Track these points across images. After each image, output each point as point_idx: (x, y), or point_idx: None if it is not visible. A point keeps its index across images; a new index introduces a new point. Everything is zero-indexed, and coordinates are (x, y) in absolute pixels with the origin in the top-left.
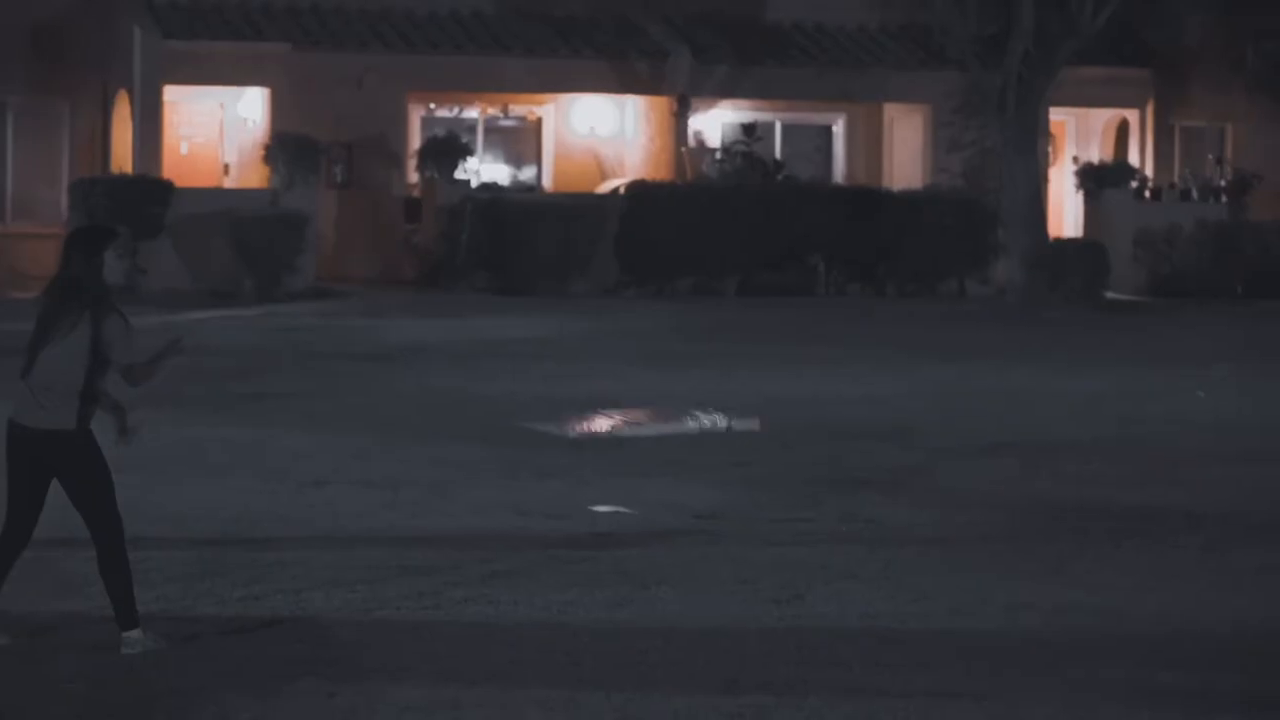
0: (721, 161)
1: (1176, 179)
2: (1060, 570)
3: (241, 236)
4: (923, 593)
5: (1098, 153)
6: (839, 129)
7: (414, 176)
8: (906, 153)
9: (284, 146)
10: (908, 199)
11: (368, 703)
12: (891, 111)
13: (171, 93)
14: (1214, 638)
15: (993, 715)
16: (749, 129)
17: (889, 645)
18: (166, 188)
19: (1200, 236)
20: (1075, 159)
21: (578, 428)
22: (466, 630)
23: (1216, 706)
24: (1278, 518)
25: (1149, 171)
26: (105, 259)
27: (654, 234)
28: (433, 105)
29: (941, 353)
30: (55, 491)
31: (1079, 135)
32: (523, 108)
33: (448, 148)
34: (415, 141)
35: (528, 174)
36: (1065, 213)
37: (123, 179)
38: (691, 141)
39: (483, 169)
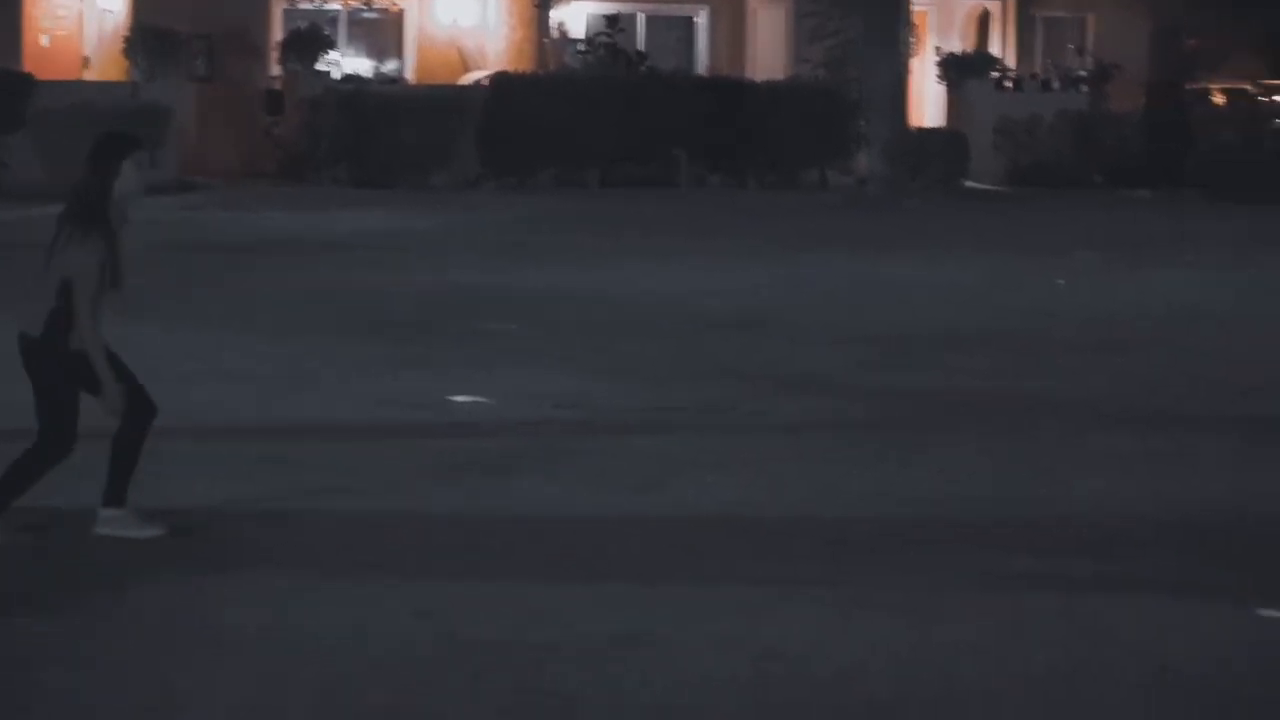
0: (584, 53)
1: (1038, 69)
2: (919, 458)
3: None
4: (781, 481)
5: (959, 43)
6: (701, 20)
7: (276, 69)
8: (769, 44)
9: (145, 39)
10: (769, 90)
11: (230, 594)
12: (754, 2)
13: None
14: (1069, 523)
15: (845, 600)
16: (612, 20)
17: (746, 534)
18: (27, 81)
19: (1060, 126)
20: (937, 49)
21: None
22: (327, 521)
23: (1071, 588)
24: (1135, 404)
25: (1010, 62)
26: (122, 169)
27: (516, 126)
28: None
29: (806, 243)
30: None
31: (940, 26)
32: (385, 0)
33: (310, 40)
34: (277, 34)
35: (390, 66)
36: (926, 103)
37: None
38: (554, 33)
39: (345, 61)
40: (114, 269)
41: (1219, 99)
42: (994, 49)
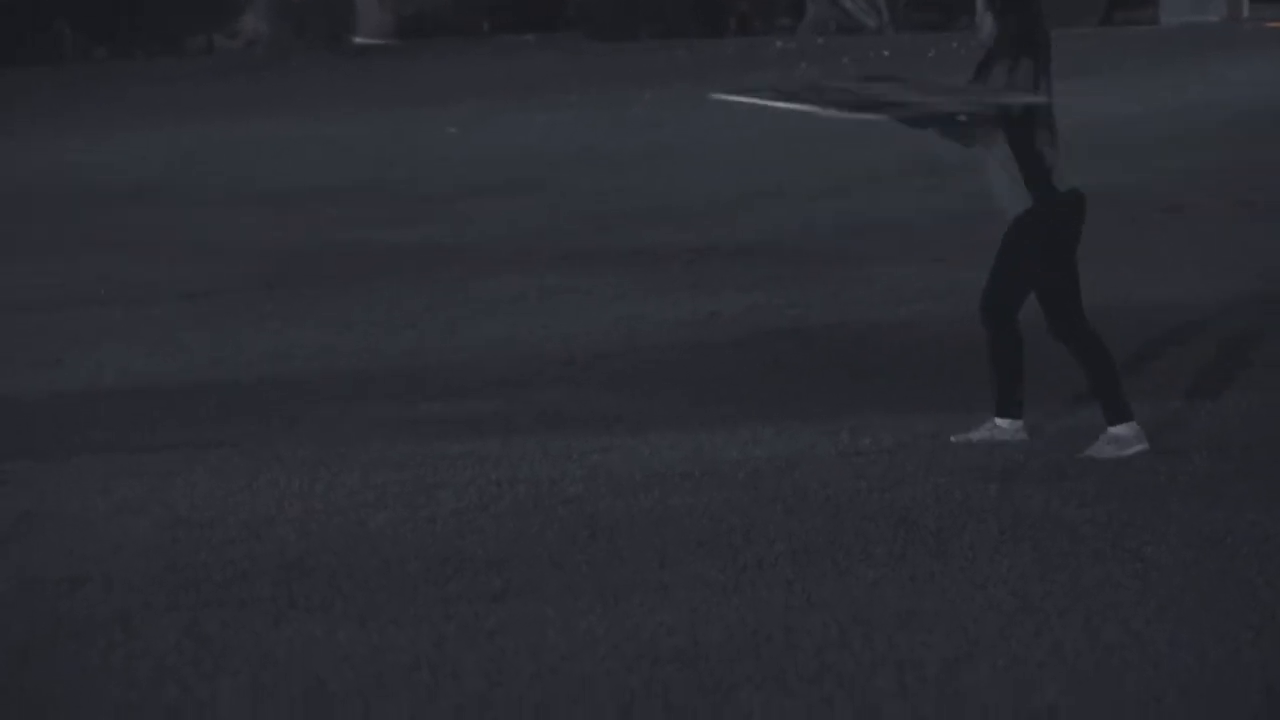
0: None
1: None
2: (319, 313)
3: None
4: (183, 348)
5: None
6: None
7: None
8: None
9: None
10: None
11: None
12: None
13: None
14: (469, 367)
15: (252, 457)
16: None
17: (150, 401)
18: None
19: None
20: None
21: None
22: None
23: (476, 431)
24: (528, 246)
25: None
26: None
27: None
28: None
29: (190, 109)
30: None
31: None
32: None
33: None
34: None
35: None
36: None
37: None
38: None
39: None
40: None
41: None
42: None
